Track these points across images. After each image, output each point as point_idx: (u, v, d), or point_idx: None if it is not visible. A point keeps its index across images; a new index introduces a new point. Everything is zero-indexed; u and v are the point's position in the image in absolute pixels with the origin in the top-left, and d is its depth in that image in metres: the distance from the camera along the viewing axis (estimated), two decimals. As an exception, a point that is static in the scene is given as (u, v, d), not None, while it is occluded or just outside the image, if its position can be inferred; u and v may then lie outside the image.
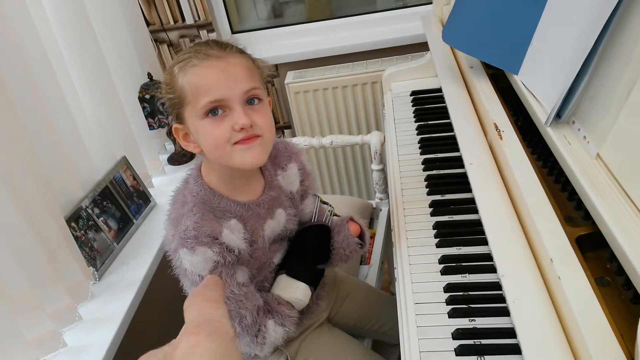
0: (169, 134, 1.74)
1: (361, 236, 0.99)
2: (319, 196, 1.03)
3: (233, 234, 0.81)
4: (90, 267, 1.31)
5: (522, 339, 0.57)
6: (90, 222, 1.35)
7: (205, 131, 0.77)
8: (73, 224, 1.29)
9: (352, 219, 0.99)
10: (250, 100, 0.78)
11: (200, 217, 0.79)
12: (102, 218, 1.40)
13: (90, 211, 1.36)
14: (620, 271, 0.60)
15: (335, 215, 1.02)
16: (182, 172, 1.12)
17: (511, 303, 0.61)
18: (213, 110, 0.76)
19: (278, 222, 0.90)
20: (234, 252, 0.81)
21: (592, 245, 0.66)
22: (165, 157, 1.81)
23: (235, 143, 0.76)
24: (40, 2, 1.26)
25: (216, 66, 0.75)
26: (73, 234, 1.27)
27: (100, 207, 1.40)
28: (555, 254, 0.61)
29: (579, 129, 0.77)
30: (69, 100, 1.33)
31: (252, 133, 0.77)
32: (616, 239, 0.58)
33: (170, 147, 1.85)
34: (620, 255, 0.57)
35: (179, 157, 1.79)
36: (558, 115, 0.81)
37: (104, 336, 1.15)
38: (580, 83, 0.77)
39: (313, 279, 0.93)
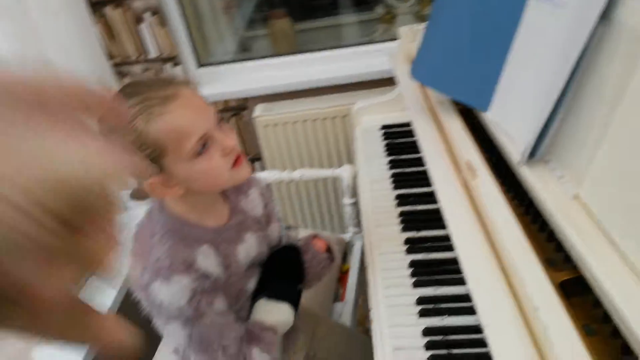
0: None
1: (328, 251, 1.01)
2: (282, 222, 1.04)
3: (207, 259, 0.80)
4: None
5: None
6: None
7: (200, 169, 0.75)
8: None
9: (316, 236, 1.02)
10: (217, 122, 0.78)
11: (171, 246, 0.77)
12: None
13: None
14: (606, 319, 0.58)
15: (298, 239, 1.04)
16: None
17: (496, 356, 0.59)
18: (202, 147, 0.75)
19: (250, 245, 0.89)
20: (210, 278, 0.79)
21: (576, 291, 0.65)
22: (126, 191, 1.74)
23: (232, 167, 0.78)
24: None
25: (181, 105, 0.73)
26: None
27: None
28: (540, 302, 0.59)
29: (554, 168, 0.76)
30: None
31: (237, 152, 0.79)
32: (602, 285, 0.56)
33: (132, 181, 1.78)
34: (607, 300, 0.56)
35: (144, 192, 1.72)
36: (532, 153, 0.81)
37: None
38: (554, 120, 0.77)
39: (294, 299, 0.92)
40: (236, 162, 0.78)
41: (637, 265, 0.56)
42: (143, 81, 0.77)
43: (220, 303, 0.81)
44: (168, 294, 0.75)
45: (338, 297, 1.36)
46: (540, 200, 0.73)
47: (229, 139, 0.77)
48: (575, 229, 0.63)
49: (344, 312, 1.30)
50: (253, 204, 0.93)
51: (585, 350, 0.53)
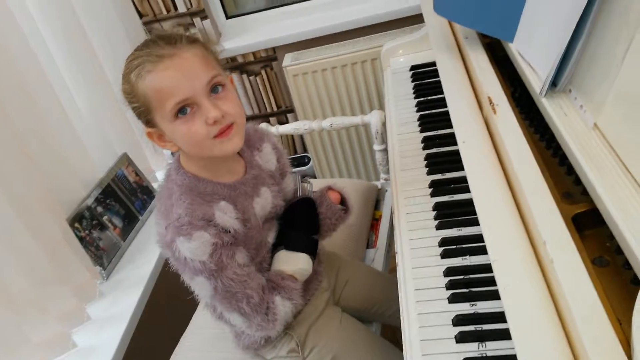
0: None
1: (343, 202, 1.02)
2: (297, 173, 1.04)
3: (225, 215, 0.82)
4: (97, 267, 1.31)
5: (513, 327, 0.54)
6: (94, 222, 1.35)
7: (180, 132, 0.76)
8: (77, 225, 1.29)
9: (330, 188, 1.02)
10: (213, 89, 0.76)
11: (190, 203, 0.80)
12: (106, 216, 1.40)
13: (93, 210, 1.36)
14: (619, 250, 0.56)
15: (314, 192, 1.05)
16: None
17: (502, 290, 0.58)
18: (182, 110, 0.75)
19: (265, 199, 0.91)
20: (229, 232, 0.82)
21: (592, 223, 0.62)
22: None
23: (215, 137, 0.76)
24: (23, 2, 1.24)
25: (171, 66, 0.73)
26: (77, 235, 1.27)
27: (104, 205, 1.40)
28: (549, 236, 0.57)
29: (575, 98, 0.72)
30: (62, 100, 1.32)
31: (226, 123, 0.76)
32: (612, 217, 0.54)
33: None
34: (618, 234, 0.53)
35: (183, 149, 1.78)
36: (554, 84, 0.77)
37: (114, 335, 1.16)
38: (576, 47, 0.72)
39: (311, 249, 0.94)
40: (223, 133, 0.76)
41: (652, 195, 0.53)
42: (160, 35, 0.77)
43: (241, 256, 0.84)
44: (190, 250, 0.78)
45: (370, 243, 1.37)
46: (558, 131, 0.69)
47: (214, 109, 0.74)
48: (590, 160, 0.60)
49: (376, 258, 1.31)
50: (267, 158, 0.94)
51: (591, 283, 0.51)
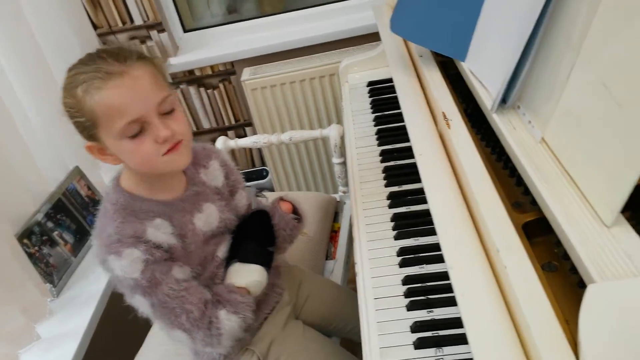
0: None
1: (295, 212, 1.02)
2: (253, 188, 1.04)
3: (158, 231, 0.81)
4: (47, 284, 1.26)
5: (470, 331, 0.57)
6: (44, 237, 1.30)
7: (128, 149, 0.75)
8: (26, 240, 1.24)
9: (282, 199, 1.02)
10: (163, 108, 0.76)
11: (121, 222, 0.79)
12: (57, 232, 1.35)
13: (44, 226, 1.31)
14: (566, 256, 0.60)
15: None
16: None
17: (459, 296, 0.61)
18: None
19: (209, 214, 0.91)
20: (162, 248, 0.81)
21: (540, 231, 0.66)
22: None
23: (166, 154, 0.76)
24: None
25: (122, 85, 0.72)
26: (26, 251, 1.22)
27: (54, 220, 1.35)
28: (501, 243, 0.60)
29: (524, 114, 0.76)
30: (12, 111, 1.27)
31: (174, 141, 0.76)
32: (559, 224, 0.57)
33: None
34: (564, 239, 0.57)
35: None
36: (504, 100, 0.81)
37: (65, 354, 1.12)
38: (524, 67, 0.77)
39: (265, 260, 0.93)
40: (173, 149, 0.76)
41: (593, 205, 0.57)
42: (106, 50, 0.75)
43: (179, 271, 0.83)
44: (122, 268, 0.77)
45: (329, 255, 1.39)
46: (508, 144, 0.73)
47: (165, 129, 0.74)
48: (538, 172, 0.64)
49: (335, 269, 1.33)
50: (213, 175, 0.94)
51: (542, 288, 0.54)
